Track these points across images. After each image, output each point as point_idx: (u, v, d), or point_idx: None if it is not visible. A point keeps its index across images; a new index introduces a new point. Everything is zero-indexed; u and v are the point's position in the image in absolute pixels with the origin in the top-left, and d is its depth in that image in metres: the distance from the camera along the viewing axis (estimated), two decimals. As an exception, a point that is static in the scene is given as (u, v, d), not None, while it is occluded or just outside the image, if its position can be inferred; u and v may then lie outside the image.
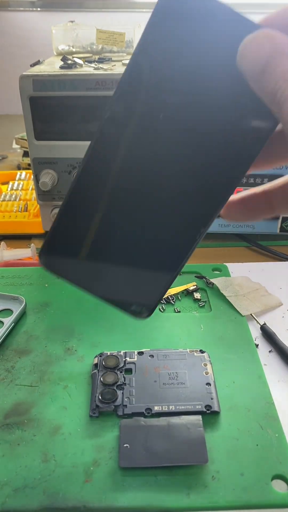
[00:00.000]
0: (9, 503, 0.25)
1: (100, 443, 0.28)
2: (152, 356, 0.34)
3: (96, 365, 0.33)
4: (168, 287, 0.26)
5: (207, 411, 0.30)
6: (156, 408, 0.30)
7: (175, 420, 0.29)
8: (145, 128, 0.21)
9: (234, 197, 0.23)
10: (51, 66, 0.52)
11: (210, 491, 0.26)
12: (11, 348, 0.36)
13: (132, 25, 0.58)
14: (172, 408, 0.30)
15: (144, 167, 0.23)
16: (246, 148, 0.21)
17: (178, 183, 0.23)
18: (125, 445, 0.27)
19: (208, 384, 0.31)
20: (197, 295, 0.42)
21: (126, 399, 0.30)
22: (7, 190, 0.65)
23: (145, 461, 0.26)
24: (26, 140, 0.58)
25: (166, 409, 0.30)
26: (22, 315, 0.39)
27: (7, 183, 0.68)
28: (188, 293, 0.42)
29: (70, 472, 0.27)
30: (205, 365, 0.33)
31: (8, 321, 0.38)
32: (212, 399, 0.30)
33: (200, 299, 0.42)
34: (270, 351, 0.37)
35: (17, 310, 0.39)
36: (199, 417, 0.29)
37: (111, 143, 0.22)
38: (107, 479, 0.26)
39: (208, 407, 0.30)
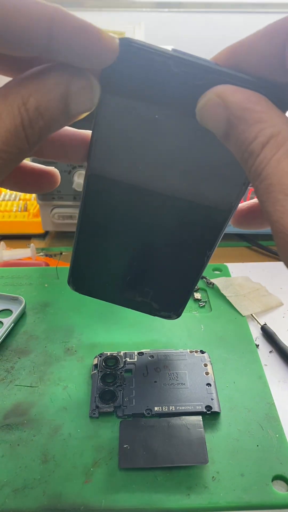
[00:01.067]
0: (9, 504, 0.25)
1: (100, 444, 0.28)
2: (152, 356, 0.34)
3: (96, 365, 0.33)
4: (190, 296, 0.30)
5: (208, 412, 0.29)
6: (156, 408, 0.30)
7: (175, 420, 0.29)
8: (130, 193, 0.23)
9: (242, 205, 0.23)
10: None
11: (210, 492, 0.26)
12: (10, 348, 0.36)
13: (132, 24, 0.58)
14: (172, 408, 0.30)
15: (140, 220, 0.24)
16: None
17: (174, 230, 0.25)
18: (125, 446, 0.27)
19: (209, 384, 0.31)
20: (197, 295, 0.42)
21: (126, 400, 0.30)
22: (6, 189, 0.65)
23: (145, 462, 0.26)
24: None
25: (166, 409, 0.30)
26: (22, 315, 0.39)
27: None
28: (188, 293, 0.42)
29: (70, 473, 0.27)
30: (206, 365, 0.33)
31: (7, 321, 0.38)
32: (212, 399, 0.30)
33: (200, 299, 0.42)
34: (270, 352, 0.37)
35: (16, 310, 0.39)
36: (199, 417, 0.29)
37: (102, 196, 0.23)
38: (107, 480, 0.26)
39: (208, 407, 0.30)
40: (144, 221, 0.25)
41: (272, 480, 0.26)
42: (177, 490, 0.26)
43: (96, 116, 0.19)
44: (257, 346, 0.37)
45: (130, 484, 0.26)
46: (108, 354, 0.34)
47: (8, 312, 0.39)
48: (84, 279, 0.29)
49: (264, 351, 0.37)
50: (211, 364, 0.33)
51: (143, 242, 0.26)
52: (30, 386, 0.32)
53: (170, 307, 0.31)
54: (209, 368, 0.33)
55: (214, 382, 0.32)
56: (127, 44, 0.16)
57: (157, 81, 0.18)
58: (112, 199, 0.23)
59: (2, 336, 0.36)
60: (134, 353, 0.34)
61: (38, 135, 0.16)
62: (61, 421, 0.30)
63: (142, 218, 0.25)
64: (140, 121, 0.19)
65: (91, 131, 0.20)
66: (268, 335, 0.38)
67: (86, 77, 0.16)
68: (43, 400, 0.31)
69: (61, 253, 0.53)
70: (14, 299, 0.40)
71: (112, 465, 0.27)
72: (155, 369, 0.33)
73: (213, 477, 0.26)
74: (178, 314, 0.31)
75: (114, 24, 0.59)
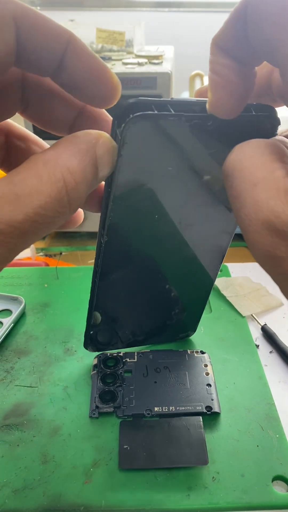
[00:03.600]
0: (9, 504, 0.25)
1: (100, 444, 0.28)
2: (152, 356, 0.34)
3: (96, 365, 0.33)
4: (202, 313, 0.34)
5: (208, 412, 0.29)
6: (156, 409, 0.30)
7: (175, 421, 0.29)
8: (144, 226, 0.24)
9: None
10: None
11: (210, 492, 0.25)
12: (10, 348, 0.36)
13: (132, 24, 0.58)
14: (172, 409, 0.30)
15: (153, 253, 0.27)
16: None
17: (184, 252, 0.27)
18: (125, 447, 0.27)
19: (209, 385, 0.31)
20: (197, 295, 0.42)
21: (126, 400, 0.30)
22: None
23: (145, 462, 0.26)
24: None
25: (166, 410, 0.29)
26: (22, 315, 0.39)
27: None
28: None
29: (69, 473, 0.27)
30: (206, 366, 0.33)
31: (7, 321, 0.38)
32: (212, 400, 0.30)
33: (200, 299, 0.41)
34: (270, 352, 0.37)
35: (16, 310, 0.39)
36: (200, 418, 0.29)
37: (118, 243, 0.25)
38: (107, 480, 0.26)
39: (208, 408, 0.30)
40: (160, 264, 0.28)
41: (272, 481, 0.26)
42: (177, 490, 0.26)
43: (114, 173, 0.20)
44: (257, 346, 0.37)
45: (130, 484, 0.26)
46: (108, 355, 0.34)
47: (7, 312, 0.39)
48: (100, 338, 0.32)
49: (264, 352, 0.37)
50: (211, 364, 0.33)
51: (159, 291, 0.30)
52: (30, 387, 0.32)
53: (189, 327, 0.35)
54: (209, 368, 0.33)
55: (214, 382, 0.32)
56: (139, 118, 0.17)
57: (171, 139, 0.19)
58: (128, 249, 0.25)
59: (1, 336, 0.36)
60: (134, 353, 0.34)
61: (81, 199, 0.16)
62: (61, 421, 0.30)
63: (158, 263, 0.28)
64: (154, 175, 0.21)
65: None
66: (268, 335, 0.38)
67: (109, 139, 0.17)
68: (43, 401, 0.31)
69: (60, 253, 0.53)
70: (14, 299, 0.40)
71: (112, 466, 0.27)
72: (155, 370, 0.32)
73: (213, 477, 0.26)
74: (194, 330, 0.36)
75: (114, 23, 0.58)
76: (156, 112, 0.18)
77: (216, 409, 0.30)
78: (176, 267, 0.28)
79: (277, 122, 0.19)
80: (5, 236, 0.14)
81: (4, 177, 0.15)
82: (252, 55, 0.16)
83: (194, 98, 0.19)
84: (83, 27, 0.59)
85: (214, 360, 0.34)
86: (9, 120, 0.21)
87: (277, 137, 0.18)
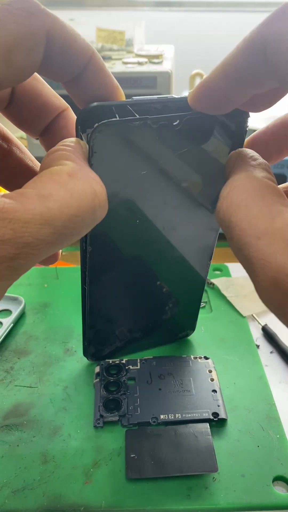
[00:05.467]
0: (8, 505, 0.25)
1: (100, 445, 0.28)
2: (155, 363, 0.33)
3: (98, 373, 0.32)
4: (199, 308, 0.34)
5: (215, 419, 0.29)
6: (162, 416, 0.29)
7: (182, 428, 0.28)
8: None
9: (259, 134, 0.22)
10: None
11: (210, 493, 0.25)
12: (10, 349, 0.36)
13: (132, 23, 0.58)
14: (178, 416, 0.29)
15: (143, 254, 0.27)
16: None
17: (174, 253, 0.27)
18: (131, 456, 0.27)
19: (214, 391, 0.31)
20: (197, 295, 0.42)
21: (130, 408, 0.30)
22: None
23: (153, 471, 0.26)
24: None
25: (172, 417, 0.29)
26: (21, 315, 0.39)
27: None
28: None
29: (69, 474, 0.26)
30: (210, 371, 0.32)
31: (7, 321, 0.37)
32: (219, 406, 0.30)
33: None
34: (271, 352, 0.37)
35: (16, 310, 0.39)
36: (207, 425, 0.28)
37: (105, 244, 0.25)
38: (107, 481, 0.26)
39: (215, 414, 0.29)
40: (149, 264, 0.28)
41: (273, 481, 0.26)
42: (177, 490, 0.26)
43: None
44: (258, 346, 0.37)
45: (130, 485, 0.26)
46: (110, 362, 0.33)
47: (7, 312, 0.39)
48: (102, 344, 0.32)
49: (265, 352, 0.37)
50: (216, 370, 0.33)
51: (151, 288, 0.30)
52: (30, 387, 0.32)
53: (187, 326, 0.35)
54: (213, 374, 0.32)
55: (220, 388, 0.31)
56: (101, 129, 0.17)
57: (139, 143, 0.19)
58: (114, 254, 0.25)
59: (1, 336, 0.36)
60: (136, 360, 0.33)
61: (106, 208, 0.17)
62: (61, 421, 0.30)
63: (146, 263, 0.28)
64: (131, 179, 0.21)
65: None
66: (269, 335, 0.38)
67: (104, 192, 0.17)
68: (42, 401, 0.31)
69: (60, 253, 0.53)
70: (14, 299, 0.40)
71: (112, 466, 0.27)
72: (159, 376, 0.32)
73: (213, 478, 0.26)
74: (193, 329, 0.36)
75: (114, 23, 0.58)
76: (118, 118, 0.18)
77: (222, 415, 0.29)
78: (165, 266, 0.28)
79: (243, 125, 0.19)
80: (31, 248, 0.14)
81: (29, 187, 0.15)
82: (258, 80, 0.16)
83: (154, 96, 0.19)
84: (83, 26, 0.59)
85: (214, 360, 0.34)
86: None
87: (252, 155, 0.18)
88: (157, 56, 0.53)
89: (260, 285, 0.14)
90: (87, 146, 0.18)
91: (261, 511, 0.25)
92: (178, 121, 0.18)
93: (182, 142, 0.19)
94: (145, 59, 0.52)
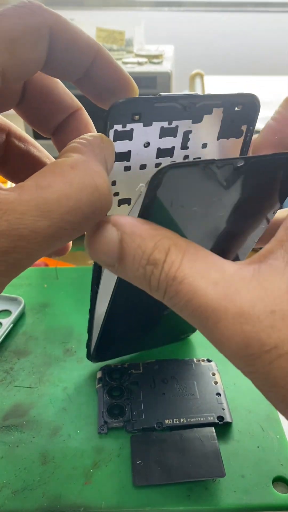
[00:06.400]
0: (8, 505, 0.25)
1: (100, 445, 0.28)
2: (158, 367, 0.33)
3: (100, 379, 0.32)
4: None
5: (220, 423, 0.29)
6: (167, 421, 0.29)
7: (187, 433, 0.28)
8: None
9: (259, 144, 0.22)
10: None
11: (210, 493, 0.25)
12: (9, 349, 0.36)
13: (132, 23, 0.58)
14: (183, 421, 0.29)
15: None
16: None
17: None
18: (138, 462, 0.26)
19: (218, 394, 0.31)
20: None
21: (135, 413, 0.29)
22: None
23: (160, 477, 0.26)
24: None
25: (177, 422, 0.29)
26: (21, 316, 0.39)
27: (6, 182, 0.67)
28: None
29: (69, 474, 0.26)
30: (214, 374, 0.32)
31: (6, 322, 0.37)
32: (223, 409, 0.29)
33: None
34: (270, 352, 0.37)
35: (15, 311, 0.39)
36: (212, 429, 0.28)
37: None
38: (107, 481, 0.26)
39: (220, 418, 0.29)
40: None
41: (273, 482, 0.26)
42: (177, 491, 0.26)
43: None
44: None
45: (130, 485, 0.26)
46: (112, 366, 0.33)
47: (7, 312, 0.39)
48: (107, 350, 0.32)
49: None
50: (219, 372, 0.32)
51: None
52: (30, 387, 0.32)
53: (189, 330, 0.35)
54: (217, 377, 0.32)
55: (224, 391, 0.31)
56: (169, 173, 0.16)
57: (200, 183, 0.18)
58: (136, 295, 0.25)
59: (1, 336, 0.36)
60: (139, 364, 0.33)
61: (111, 204, 0.17)
62: (61, 422, 0.30)
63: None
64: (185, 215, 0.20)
65: None
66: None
67: (107, 186, 0.17)
68: (42, 401, 0.31)
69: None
70: (13, 300, 0.40)
71: (112, 466, 0.27)
72: (162, 380, 0.32)
73: (213, 478, 0.26)
74: (195, 330, 0.36)
75: (114, 23, 0.58)
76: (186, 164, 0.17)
77: (228, 419, 0.29)
78: None
79: None
80: (28, 242, 0.13)
81: (29, 180, 0.14)
82: None
83: (181, 93, 0.19)
84: (83, 26, 0.59)
85: (214, 359, 0.34)
86: (9, 121, 0.22)
87: None
88: (157, 56, 0.53)
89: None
90: (113, 145, 0.17)
91: (261, 512, 0.25)
92: (243, 162, 0.18)
93: (246, 182, 0.19)
94: (145, 59, 0.52)
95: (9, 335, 0.37)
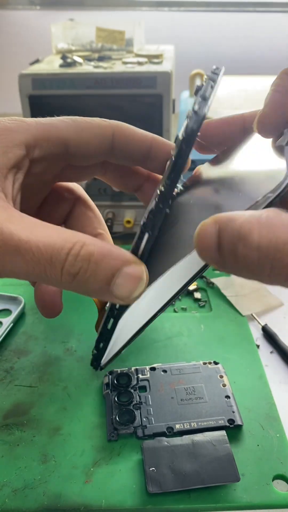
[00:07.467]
0: (9, 504, 0.25)
1: (100, 444, 0.28)
2: (165, 371, 0.32)
3: (107, 384, 0.32)
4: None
5: (230, 426, 0.29)
6: (177, 426, 0.28)
7: (198, 437, 0.27)
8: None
9: (211, 120, 0.25)
10: (50, 64, 0.52)
11: (211, 492, 0.25)
12: (10, 348, 0.36)
13: (132, 23, 0.58)
14: (194, 425, 0.28)
15: None
16: None
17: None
18: (151, 469, 0.26)
19: (227, 397, 0.30)
20: (197, 295, 0.42)
21: (144, 419, 0.29)
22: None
23: (174, 484, 0.25)
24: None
25: (188, 426, 0.28)
26: (21, 315, 0.39)
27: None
28: (188, 293, 0.42)
29: (70, 473, 0.27)
30: (221, 377, 0.32)
31: (7, 321, 0.38)
32: (233, 412, 0.29)
33: (201, 299, 0.41)
34: (271, 352, 0.37)
35: (16, 310, 0.39)
36: (223, 432, 0.28)
37: None
38: (107, 480, 0.26)
39: (231, 421, 0.29)
40: None
41: (273, 480, 0.26)
42: (177, 490, 0.26)
43: None
44: (258, 346, 0.37)
45: (131, 484, 0.26)
46: (119, 371, 0.32)
47: (7, 312, 0.39)
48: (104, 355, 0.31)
49: (265, 352, 0.37)
50: (226, 375, 0.32)
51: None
52: (30, 386, 0.32)
53: None
54: (225, 379, 0.32)
55: (232, 393, 0.31)
56: None
57: None
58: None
59: (1, 336, 0.36)
60: (145, 368, 0.33)
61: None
62: (61, 421, 0.30)
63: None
64: None
65: None
66: (269, 335, 0.38)
67: (140, 269, 0.19)
68: (42, 400, 0.31)
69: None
70: (13, 299, 0.40)
71: (112, 465, 0.27)
72: (170, 384, 0.31)
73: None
74: None
75: (114, 23, 0.58)
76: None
77: (238, 421, 0.29)
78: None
79: None
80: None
81: (31, 225, 0.18)
82: None
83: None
84: (83, 26, 0.59)
85: (214, 359, 0.34)
86: (82, 189, 0.27)
87: None
88: (157, 56, 0.53)
89: None
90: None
91: (261, 510, 0.25)
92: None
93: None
94: (145, 59, 0.52)
95: (9, 334, 0.37)
